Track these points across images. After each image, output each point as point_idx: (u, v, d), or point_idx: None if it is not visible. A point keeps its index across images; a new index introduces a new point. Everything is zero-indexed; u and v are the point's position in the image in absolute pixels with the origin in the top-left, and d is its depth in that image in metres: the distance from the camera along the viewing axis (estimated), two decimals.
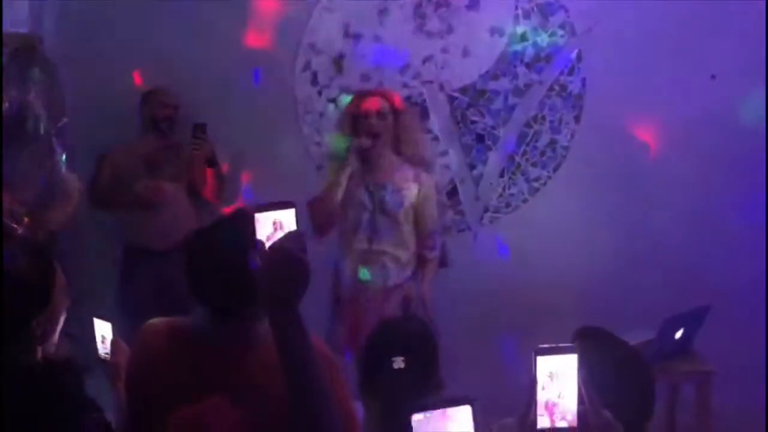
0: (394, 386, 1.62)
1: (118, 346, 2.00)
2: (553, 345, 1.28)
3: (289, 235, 1.32)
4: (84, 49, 3.75)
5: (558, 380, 1.27)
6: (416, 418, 1.23)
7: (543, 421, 1.27)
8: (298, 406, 1.31)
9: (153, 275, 3.50)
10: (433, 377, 1.73)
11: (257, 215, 1.32)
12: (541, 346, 1.27)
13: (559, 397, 1.27)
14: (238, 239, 1.38)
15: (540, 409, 1.27)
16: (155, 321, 1.64)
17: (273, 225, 1.32)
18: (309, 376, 1.31)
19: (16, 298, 1.48)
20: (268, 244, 1.32)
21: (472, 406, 1.23)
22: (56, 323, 1.58)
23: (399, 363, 1.63)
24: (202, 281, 1.58)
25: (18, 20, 3.49)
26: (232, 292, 1.51)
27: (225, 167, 3.76)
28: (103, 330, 2.04)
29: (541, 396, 1.26)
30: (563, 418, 1.28)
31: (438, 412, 1.23)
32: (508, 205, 3.68)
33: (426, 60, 3.67)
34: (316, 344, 1.44)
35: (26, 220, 2.74)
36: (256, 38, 3.78)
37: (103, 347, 2.03)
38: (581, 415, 1.27)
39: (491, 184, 3.67)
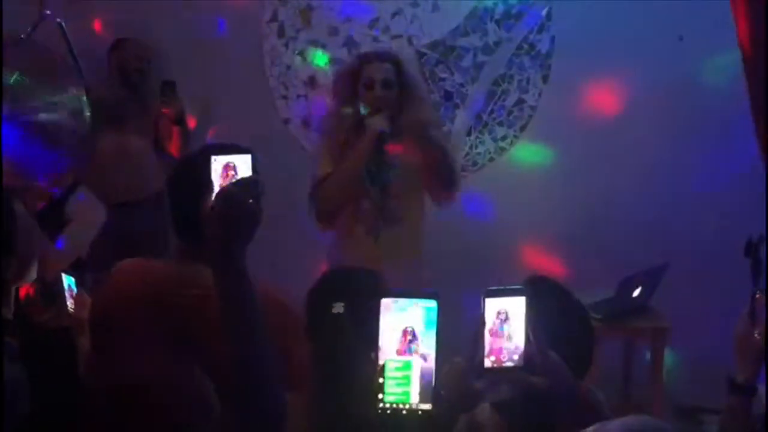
0: (331, 330, 1.64)
1: (82, 299, 1.99)
2: (502, 287, 1.31)
3: (240, 181, 1.30)
4: None
5: (506, 321, 1.31)
6: (384, 302, 1.25)
7: (489, 361, 1.30)
8: (235, 354, 1.31)
9: (117, 227, 3.46)
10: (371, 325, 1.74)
11: (212, 157, 1.32)
12: (490, 288, 1.30)
13: (507, 338, 1.31)
14: (200, 177, 1.37)
15: (487, 349, 1.30)
16: (129, 261, 1.65)
17: (225, 169, 1.31)
18: (245, 327, 1.32)
19: None
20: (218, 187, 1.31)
21: (438, 300, 1.25)
22: (26, 272, 1.57)
23: (338, 308, 1.65)
24: (180, 215, 1.60)
25: None
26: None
27: (192, 122, 3.70)
28: (69, 284, 2.03)
29: (489, 336, 1.30)
30: (510, 359, 1.31)
31: (404, 301, 1.25)
32: (474, 163, 3.70)
33: (395, 14, 3.63)
34: (273, 293, 1.45)
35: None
36: None
37: (71, 303, 2.01)
38: (528, 355, 1.31)
39: (459, 142, 3.68)
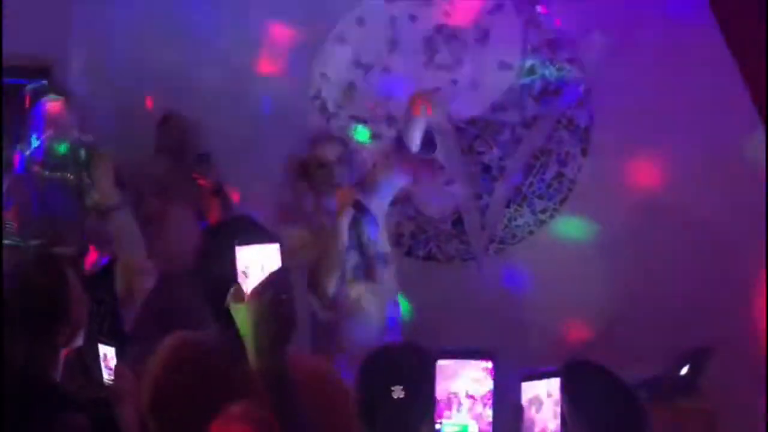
0: (393, 418, 1.62)
1: (121, 370, 2.00)
2: (538, 370, 1.29)
3: (270, 281, 1.22)
4: (100, 74, 3.82)
5: (543, 405, 1.28)
6: (441, 363, 1.25)
7: None
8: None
9: (159, 298, 3.51)
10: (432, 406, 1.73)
11: (237, 248, 1.24)
12: (527, 371, 1.29)
13: (544, 421, 1.28)
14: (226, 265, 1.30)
15: None
16: (180, 334, 1.65)
17: (254, 262, 1.23)
18: (288, 414, 1.24)
19: (32, 311, 1.50)
20: (247, 284, 1.23)
21: (494, 360, 1.24)
22: (76, 338, 1.61)
23: (398, 392, 1.63)
24: (210, 299, 1.59)
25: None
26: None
27: (236, 196, 3.79)
28: (106, 354, 2.05)
29: (526, 421, 1.28)
30: None
31: (460, 361, 1.24)
32: (513, 236, 3.70)
33: (435, 91, 3.71)
34: (318, 367, 1.43)
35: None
36: (268, 66, 3.84)
37: (108, 372, 2.03)
38: None
39: (497, 214, 3.69)
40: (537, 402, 1.28)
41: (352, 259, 2.96)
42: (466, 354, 1.24)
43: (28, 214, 3.05)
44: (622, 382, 1.61)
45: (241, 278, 1.23)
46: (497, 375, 1.23)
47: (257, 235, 1.30)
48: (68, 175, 3.03)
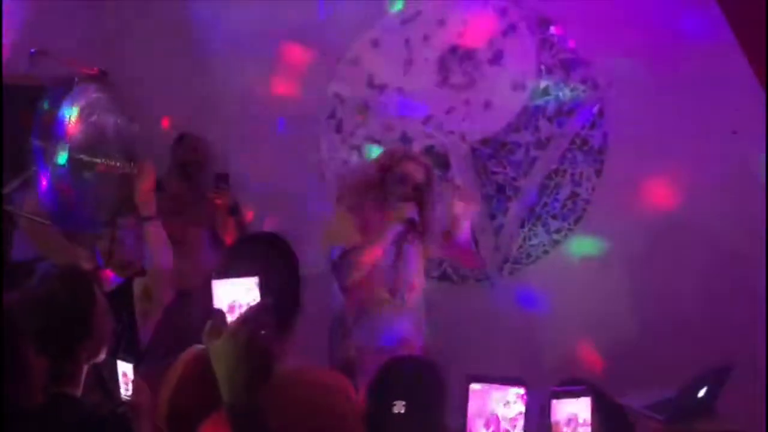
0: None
1: (139, 386, 2.01)
2: (568, 388, 1.29)
3: (251, 312, 1.18)
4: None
5: (578, 425, 1.27)
6: (473, 387, 1.24)
7: None
8: None
9: (173, 316, 3.52)
10: (436, 424, 1.72)
11: (213, 281, 1.20)
12: (556, 389, 1.28)
13: None
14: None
15: None
16: (195, 349, 1.66)
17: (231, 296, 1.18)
18: None
19: (58, 325, 1.51)
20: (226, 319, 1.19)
21: (526, 388, 1.23)
22: (99, 353, 1.62)
23: (399, 407, 1.62)
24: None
25: None
26: None
27: (250, 215, 3.81)
28: (124, 371, 2.06)
29: None
30: None
31: (494, 386, 1.24)
32: (528, 256, 3.69)
33: (449, 111, 3.74)
34: (327, 378, 1.43)
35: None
36: (282, 87, 3.87)
37: (125, 388, 2.04)
38: None
39: (511, 234, 3.69)
40: (568, 421, 1.28)
41: (386, 270, 2.95)
42: (500, 380, 1.24)
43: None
44: (612, 401, 1.61)
45: (219, 313, 1.19)
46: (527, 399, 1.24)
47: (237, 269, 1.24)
48: (103, 162, 2.95)
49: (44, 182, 2.81)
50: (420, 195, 2.96)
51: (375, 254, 2.90)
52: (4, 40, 3.35)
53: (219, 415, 1.41)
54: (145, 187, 2.67)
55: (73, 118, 2.76)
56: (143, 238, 2.76)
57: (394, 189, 2.95)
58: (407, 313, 3.00)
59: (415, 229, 2.95)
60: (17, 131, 2.97)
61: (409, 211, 2.91)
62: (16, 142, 2.96)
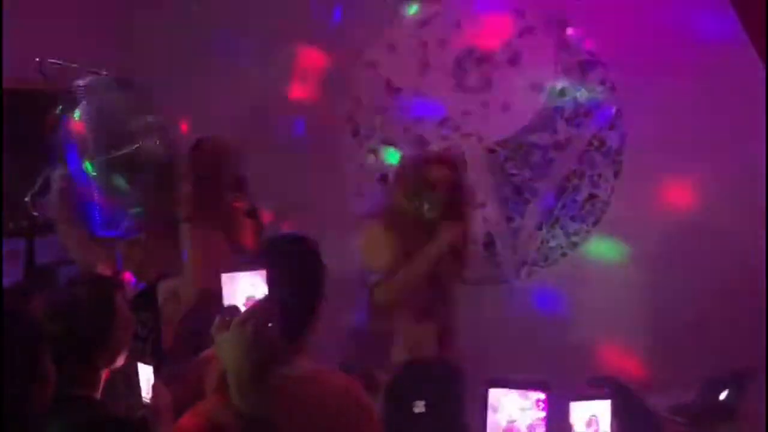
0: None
1: (159, 389, 2.03)
2: (588, 391, 1.28)
3: (258, 305, 1.19)
4: None
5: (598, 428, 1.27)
6: (493, 391, 1.23)
7: None
8: None
9: (191, 316, 3.55)
10: (455, 424, 1.72)
11: (223, 275, 1.22)
12: (578, 394, 1.28)
13: None
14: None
15: None
16: (211, 351, 1.66)
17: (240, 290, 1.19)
18: None
19: (77, 332, 1.53)
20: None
21: (548, 392, 1.23)
22: (116, 360, 1.64)
23: (420, 407, 1.62)
24: None
25: None
26: None
27: (268, 217, 3.83)
28: (145, 374, 2.08)
29: None
30: None
31: (515, 391, 1.24)
32: (546, 258, 3.68)
33: (465, 113, 3.73)
34: (350, 387, 1.43)
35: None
36: (299, 90, 3.89)
37: (146, 391, 2.05)
38: None
39: (529, 236, 3.68)
40: (588, 423, 1.28)
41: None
42: (521, 384, 1.24)
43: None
44: (639, 400, 1.60)
45: (231, 308, 1.20)
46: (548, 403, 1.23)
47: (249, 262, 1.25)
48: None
49: (66, 185, 2.84)
50: (453, 200, 2.80)
51: (415, 280, 2.73)
52: (14, 46, 3.38)
53: (197, 407, 1.41)
54: (186, 188, 2.66)
55: (92, 121, 2.79)
56: (168, 242, 2.77)
57: (425, 199, 2.77)
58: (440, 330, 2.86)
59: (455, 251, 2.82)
60: (36, 136, 3.01)
61: (454, 234, 2.75)
62: (33, 147, 3.00)
